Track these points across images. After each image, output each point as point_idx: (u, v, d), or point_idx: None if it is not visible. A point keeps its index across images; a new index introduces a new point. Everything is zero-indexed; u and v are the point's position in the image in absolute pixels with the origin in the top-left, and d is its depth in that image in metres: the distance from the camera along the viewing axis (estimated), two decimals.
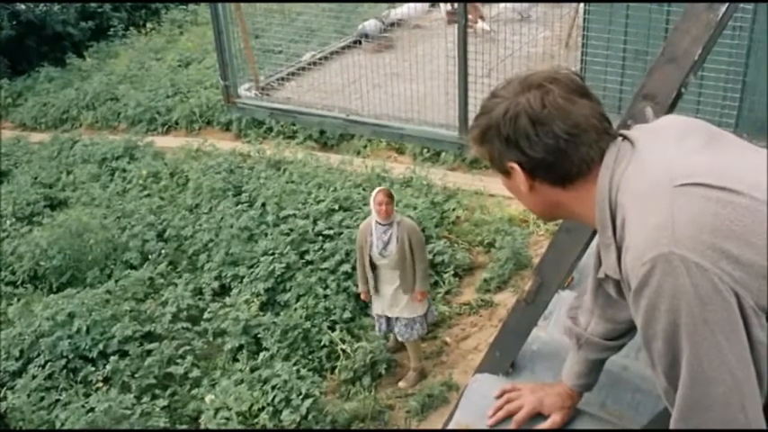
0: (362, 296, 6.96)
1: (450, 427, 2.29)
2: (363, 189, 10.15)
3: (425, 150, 11.17)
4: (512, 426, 2.02)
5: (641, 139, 1.42)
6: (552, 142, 1.39)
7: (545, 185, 1.47)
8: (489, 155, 1.52)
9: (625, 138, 1.45)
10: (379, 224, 6.33)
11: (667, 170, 1.30)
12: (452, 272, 8.46)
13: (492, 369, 2.43)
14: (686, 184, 1.26)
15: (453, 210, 9.70)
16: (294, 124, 11.85)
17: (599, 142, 1.41)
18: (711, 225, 1.20)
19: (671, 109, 2.13)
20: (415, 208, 9.29)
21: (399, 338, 6.98)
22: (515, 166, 1.46)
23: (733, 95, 4.30)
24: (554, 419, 1.99)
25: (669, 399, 1.33)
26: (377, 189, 6.46)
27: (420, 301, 6.67)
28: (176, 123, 14.26)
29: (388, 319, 6.89)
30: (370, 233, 6.39)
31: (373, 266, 6.58)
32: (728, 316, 1.19)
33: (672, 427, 1.31)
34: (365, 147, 11.98)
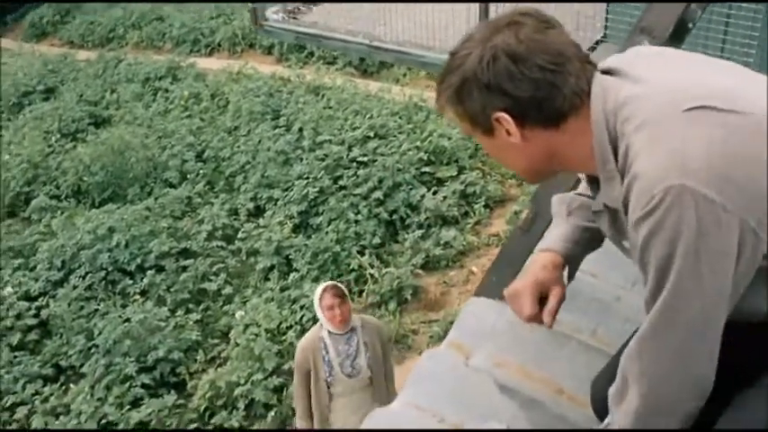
0: None
1: (442, 345, 2.40)
2: (400, 117, 10.15)
3: None
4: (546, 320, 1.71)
5: (622, 66, 1.37)
6: (540, 76, 1.30)
7: (537, 130, 1.36)
8: (469, 113, 1.39)
9: (603, 71, 1.38)
10: (336, 335, 4.46)
11: (670, 94, 1.26)
12: (483, 203, 8.50)
13: (488, 293, 2.50)
14: (693, 108, 1.22)
15: None
16: (335, 50, 11.82)
17: (584, 71, 1.33)
18: (721, 153, 1.19)
19: (677, 43, 2.13)
20: (449, 138, 9.29)
21: None
22: (502, 114, 1.34)
23: (753, 34, 4.18)
24: (557, 293, 1.70)
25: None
26: (320, 287, 4.54)
27: None
28: (219, 45, 14.27)
29: None
30: (322, 349, 4.44)
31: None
32: (721, 249, 1.20)
33: (635, 341, 1.35)
34: (404, 75, 11.90)
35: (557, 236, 1.77)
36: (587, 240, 1.76)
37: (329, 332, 4.44)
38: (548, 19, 1.36)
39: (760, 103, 1.26)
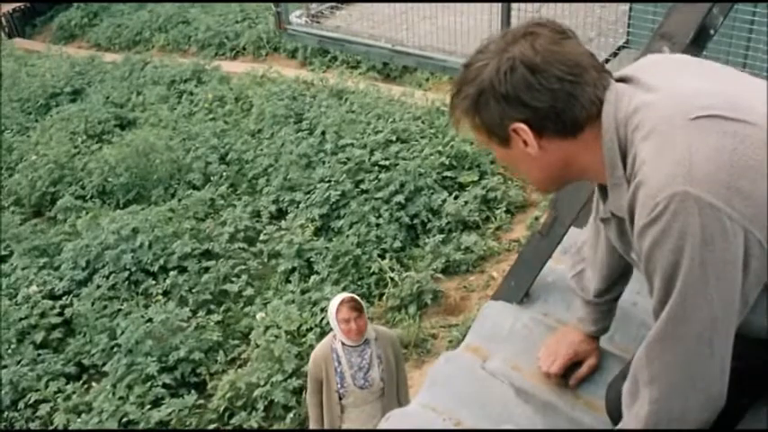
0: None
1: (459, 349, 2.40)
2: (422, 122, 10.18)
3: None
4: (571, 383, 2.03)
5: (636, 73, 1.37)
6: (558, 87, 1.29)
7: (554, 141, 1.35)
8: (486, 124, 1.38)
9: (618, 79, 1.39)
10: (349, 346, 4.35)
11: (679, 102, 1.25)
12: (504, 208, 8.51)
13: (506, 297, 2.51)
14: (702, 117, 1.21)
15: None
16: (358, 54, 11.90)
17: (601, 80, 1.33)
18: (729, 162, 1.17)
19: (698, 50, 2.12)
20: (471, 143, 9.29)
21: None
22: (520, 125, 1.33)
23: None
24: (592, 364, 2.01)
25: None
26: (337, 299, 4.36)
27: None
28: (244, 49, 14.43)
29: None
30: (335, 360, 4.35)
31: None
32: (727, 257, 1.19)
33: (644, 346, 1.35)
34: (427, 80, 11.93)
35: (590, 321, 1.97)
36: (613, 308, 1.97)
37: (342, 343, 4.33)
38: (563, 29, 1.36)
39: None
